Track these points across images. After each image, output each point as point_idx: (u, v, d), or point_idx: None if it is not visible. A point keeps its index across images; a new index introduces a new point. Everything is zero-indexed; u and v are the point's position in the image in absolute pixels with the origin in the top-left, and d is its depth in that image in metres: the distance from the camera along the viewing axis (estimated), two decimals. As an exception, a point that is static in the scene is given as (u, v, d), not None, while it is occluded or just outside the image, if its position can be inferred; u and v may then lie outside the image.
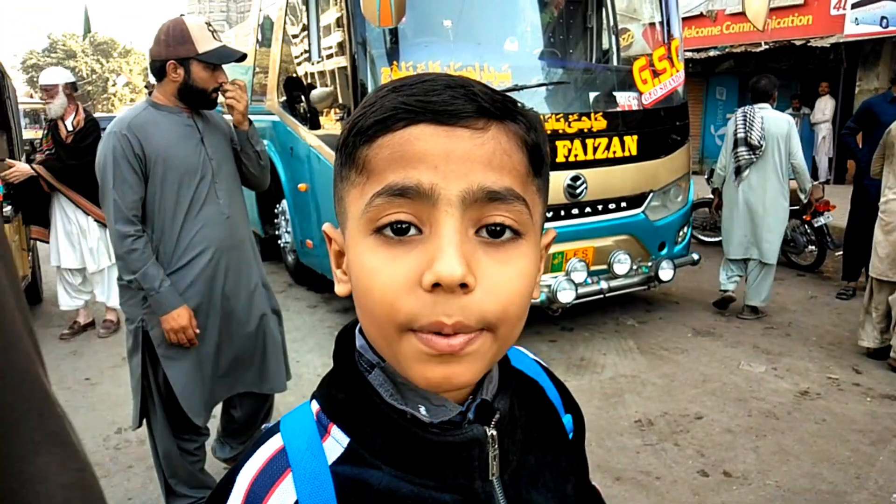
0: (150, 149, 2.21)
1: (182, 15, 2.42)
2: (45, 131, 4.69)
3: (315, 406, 0.60)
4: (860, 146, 5.36)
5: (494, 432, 0.57)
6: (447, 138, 0.50)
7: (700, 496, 2.77)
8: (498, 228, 0.51)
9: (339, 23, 4.31)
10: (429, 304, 0.49)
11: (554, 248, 4.35)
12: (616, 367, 4.13)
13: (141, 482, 2.91)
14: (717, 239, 7.54)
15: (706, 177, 7.38)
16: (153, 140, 2.22)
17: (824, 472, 2.94)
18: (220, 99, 2.39)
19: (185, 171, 2.27)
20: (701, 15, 12.10)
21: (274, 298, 2.68)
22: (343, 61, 4.26)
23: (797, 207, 6.17)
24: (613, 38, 5.40)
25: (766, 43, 10.90)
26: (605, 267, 4.56)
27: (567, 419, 0.71)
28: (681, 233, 5.11)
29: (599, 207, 4.53)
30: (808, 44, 10.56)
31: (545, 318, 4.61)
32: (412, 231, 0.50)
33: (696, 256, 5.21)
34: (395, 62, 3.98)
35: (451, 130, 0.50)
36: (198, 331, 2.31)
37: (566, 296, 4.15)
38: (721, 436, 3.26)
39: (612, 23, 5.38)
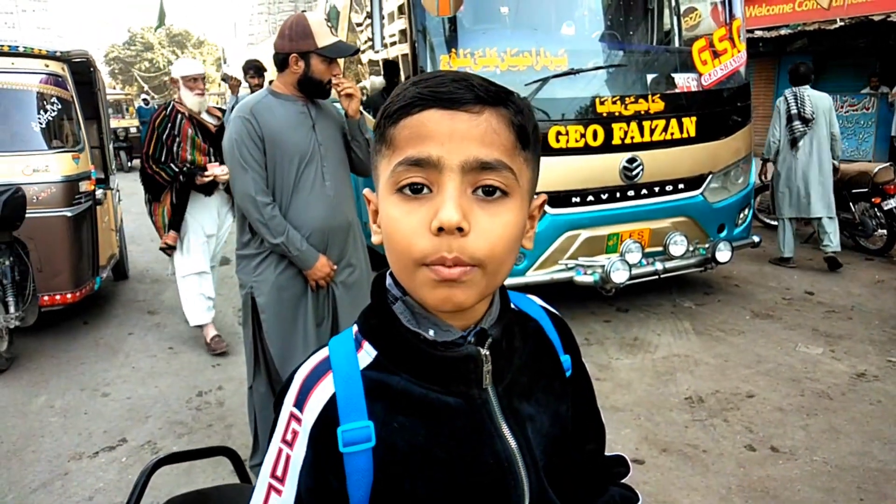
0: (267, 131, 2.44)
1: (304, 11, 2.63)
2: (165, 126, 4.04)
3: (355, 328, 0.79)
4: None
5: (487, 352, 0.74)
6: (451, 120, 0.67)
7: (745, 469, 2.84)
8: (490, 189, 0.68)
9: (400, 11, 4.47)
10: (435, 243, 0.66)
11: (609, 230, 4.43)
12: (670, 347, 4.18)
13: (220, 439, 3.19)
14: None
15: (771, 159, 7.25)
16: (270, 124, 2.45)
17: (875, 450, 2.95)
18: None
19: (297, 154, 2.48)
20: (773, -9, 11.67)
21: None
22: (405, 49, 4.43)
23: (866, 190, 6.01)
24: (674, 18, 5.37)
25: (841, 20, 10.44)
26: (661, 248, 4.60)
27: (565, 358, 0.88)
28: (741, 215, 5.08)
29: (656, 189, 4.56)
30: (889, 18, 10.06)
31: (600, 298, 4.70)
32: (425, 190, 0.68)
33: (756, 239, 5.18)
34: (453, 49, 4.12)
35: (454, 114, 0.67)
36: (335, 267, 2.61)
37: (619, 276, 4.22)
38: (771, 413, 3.30)
39: (672, 3, 5.36)
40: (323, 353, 0.77)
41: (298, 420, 0.73)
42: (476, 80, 0.70)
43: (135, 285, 5.99)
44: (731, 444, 3.04)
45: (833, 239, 5.73)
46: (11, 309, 3.92)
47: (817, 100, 5.68)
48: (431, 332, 0.74)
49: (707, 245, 4.70)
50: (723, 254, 4.62)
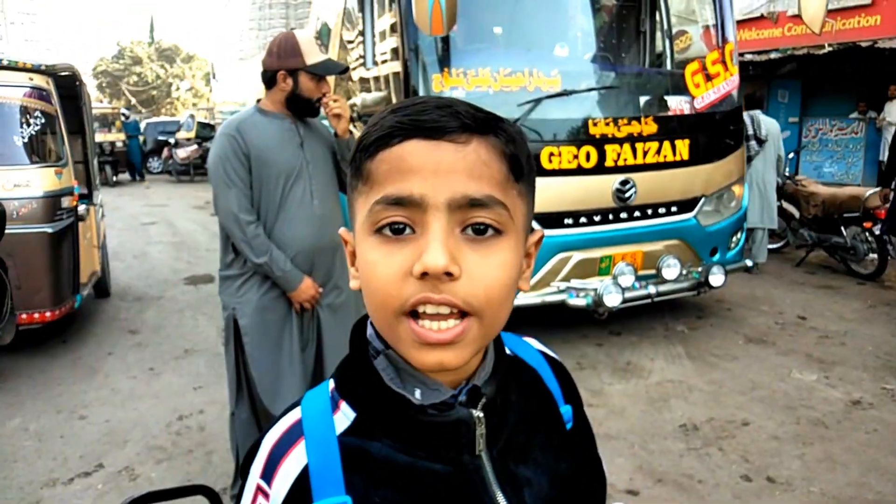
0: (253, 149, 2.38)
1: (294, 28, 2.57)
2: None
3: (331, 384, 0.70)
4: None
5: (481, 414, 0.65)
6: (435, 151, 0.59)
7: (742, 500, 2.77)
8: (481, 227, 0.60)
9: (392, 29, 4.44)
10: (418, 288, 0.58)
11: (601, 252, 4.38)
12: (663, 373, 4.12)
13: (200, 466, 3.07)
14: (774, 246, 7.40)
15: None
16: (256, 141, 2.39)
17: (872, 481, 2.89)
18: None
19: (284, 172, 2.42)
20: (762, 17, 11.81)
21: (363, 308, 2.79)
22: (396, 67, 4.39)
23: (857, 214, 6.02)
24: (667, 41, 5.38)
25: (829, 45, 10.56)
26: (653, 272, 4.56)
27: (566, 409, 0.78)
28: (734, 238, 5.06)
29: (649, 212, 4.53)
30: (876, 45, 10.19)
31: (593, 321, 4.63)
32: (407, 231, 0.59)
33: (749, 263, 5.15)
34: (446, 69, 4.09)
35: (438, 144, 0.59)
36: (321, 290, 2.52)
37: (612, 299, 4.17)
38: (767, 442, 3.24)
39: (665, 26, 5.37)
40: (294, 415, 0.68)
41: (266, 495, 0.64)
42: (462, 106, 0.62)
43: (116, 303, 5.86)
44: (727, 475, 2.97)
45: (761, 251, 6.45)
46: (-13, 327, 3.81)
47: (770, 124, 6.42)
48: (418, 394, 0.65)
49: (700, 269, 4.66)
50: (716, 278, 4.58)
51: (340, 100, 2.50)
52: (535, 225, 0.74)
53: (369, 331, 0.69)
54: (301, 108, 2.48)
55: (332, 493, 0.62)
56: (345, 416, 0.66)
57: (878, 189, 6.16)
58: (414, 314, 0.59)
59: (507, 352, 0.74)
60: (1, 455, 3.18)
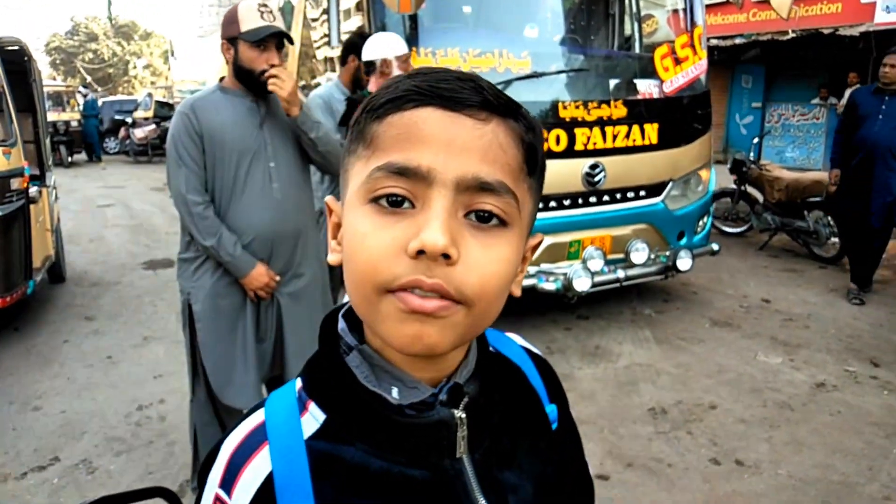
0: (206, 128, 2.26)
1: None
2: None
3: (298, 383, 0.63)
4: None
5: (463, 415, 0.60)
6: (451, 124, 0.53)
7: (711, 484, 2.78)
8: (486, 215, 0.54)
9: (358, 7, 4.32)
10: (411, 265, 0.52)
11: (571, 237, 4.35)
12: (631, 356, 4.13)
13: (161, 457, 2.97)
14: (739, 229, 7.50)
15: (728, 166, 7.33)
16: (211, 120, 2.27)
17: (837, 463, 2.93)
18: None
19: (240, 152, 2.30)
20: (727, 2, 11.91)
21: (328, 297, 2.69)
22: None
23: (820, 199, 6.11)
24: (636, 24, 5.35)
25: (793, 31, 10.71)
26: (622, 256, 4.55)
27: (551, 409, 0.73)
28: (700, 222, 5.08)
29: (618, 196, 4.52)
30: (837, 32, 10.36)
31: (561, 306, 4.62)
32: (406, 204, 0.53)
33: (715, 247, 5.19)
34: (413, 48, 3.98)
35: (455, 117, 0.53)
36: (278, 278, 2.40)
37: (582, 284, 4.15)
38: (734, 426, 3.26)
39: (634, 9, 5.33)
40: (257, 417, 0.61)
41: None
42: (484, 82, 0.56)
43: (72, 289, 5.65)
44: (696, 458, 2.98)
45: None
46: (-68, 315, 3.62)
47: None
48: (395, 392, 0.59)
49: (668, 253, 4.68)
50: (684, 262, 4.61)
51: (282, 71, 2.27)
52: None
53: (341, 325, 0.63)
54: (247, 81, 2.31)
55: (300, 503, 0.56)
56: (313, 419, 0.60)
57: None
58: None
59: (491, 349, 0.69)
60: (-52, 449, 3.03)
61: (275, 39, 2.28)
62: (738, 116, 13.60)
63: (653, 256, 4.62)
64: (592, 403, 3.50)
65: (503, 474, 0.64)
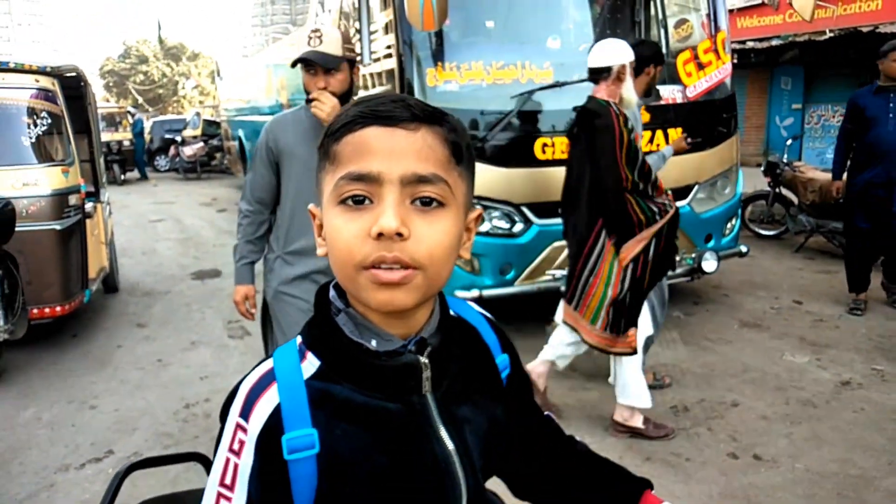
0: (280, 144, 2.44)
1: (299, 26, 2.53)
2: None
3: (299, 339, 0.82)
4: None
5: (426, 360, 0.78)
6: (390, 136, 0.71)
7: (727, 476, 2.86)
8: (427, 200, 0.72)
9: (387, 27, 4.52)
10: (375, 247, 0.70)
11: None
12: (657, 357, 4.19)
13: (206, 450, 3.15)
14: (773, 232, 7.46)
15: (762, 169, 7.30)
16: (285, 137, 2.44)
17: (856, 457, 2.97)
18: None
19: (306, 167, 2.38)
20: (763, 3, 11.81)
21: None
22: (392, 63, 4.48)
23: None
24: (663, 31, 5.43)
25: (830, 31, 10.56)
26: (648, 258, 4.62)
27: (503, 358, 0.92)
28: (728, 225, 5.12)
29: (643, 200, 4.59)
30: (877, 30, 10.17)
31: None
32: (366, 202, 0.72)
33: (744, 249, 5.21)
34: (439, 63, 4.17)
35: (392, 131, 0.72)
36: (252, 311, 2.57)
37: (607, 286, 4.24)
38: (755, 422, 3.32)
39: (660, 16, 5.41)
40: (267, 364, 0.80)
41: (244, 430, 0.75)
42: (413, 100, 0.74)
43: (125, 298, 6.00)
44: (715, 453, 3.06)
45: None
46: (1, 322, 3.93)
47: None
48: (374, 343, 0.77)
49: (694, 255, 4.73)
50: (708, 263, 4.64)
51: (322, 94, 2.35)
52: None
53: (331, 293, 0.82)
54: (311, 102, 2.41)
55: (301, 427, 0.74)
56: (311, 364, 0.78)
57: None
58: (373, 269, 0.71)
59: (452, 313, 0.87)
60: (16, 443, 3.31)
61: (317, 65, 2.36)
62: (779, 119, 13.41)
63: (679, 259, 4.68)
64: (614, 402, 3.59)
65: (460, 409, 0.82)
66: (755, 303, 5.25)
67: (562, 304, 3.36)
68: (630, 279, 3.01)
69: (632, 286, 3.02)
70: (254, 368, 0.81)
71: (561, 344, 3.34)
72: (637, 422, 3.17)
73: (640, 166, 3.03)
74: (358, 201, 0.71)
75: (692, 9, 5.29)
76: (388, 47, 4.55)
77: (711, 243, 4.94)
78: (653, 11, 5.38)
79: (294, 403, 0.74)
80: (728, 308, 5.15)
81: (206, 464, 1.42)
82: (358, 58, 2.42)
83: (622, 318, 3.06)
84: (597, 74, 3.12)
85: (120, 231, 8.38)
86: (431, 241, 0.71)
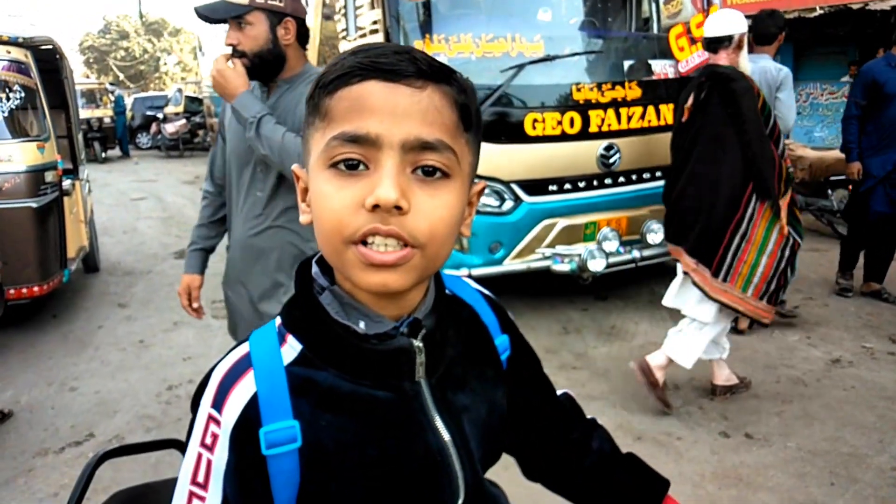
0: (224, 116, 2.10)
1: None
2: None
3: (278, 320, 0.73)
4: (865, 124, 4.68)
5: (420, 344, 0.70)
6: (392, 93, 0.62)
7: (719, 455, 2.83)
8: (430, 169, 0.63)
9: (373, 1, 4.39)
10: (369, 219, 0.61)
11: (586, 219, 4.39)
12: (647, 335, 4.17)
13: (189, 433, 3.12)
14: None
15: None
16: (225, 112, 2.08)
17: (847, 435, 2.96)
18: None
19: (234, 152, 2.03)
20: (752, -21, 11.70)
21: None
22: (379, 37, 4.35)
23: (843, 177, 6.03)
24: (653, 4, 5.33)
25: (820, 8, 10.49)
26: (637, 237, 4.58)
27: (502, 339, 0.84)
28: (718, 203, 5.07)
29: (633, 177, 4.54)
30: (867, 7, 10.12)
31: (578, 287, 4.67)
32: (361, 167, 0.62)
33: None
34: (427, 35, 4.06)
35: (395, 87, 0.62)
36: (196, 305, 2.24)
37: (596, 264, 4.20)
38: (746, 401, 3.30)
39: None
40: (243, 348, 0.71)
41: (217, 422, 0.67)
42: (419, 53, 0.65)
43: (106, 278, 5.87)
44: (706, 432, 3.03)
45: None
46: (-25, 302, 3.82)
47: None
48: (362, 324, 0.69)
49: (684, 233, 4.68)
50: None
51: (221, 59, 1.94)
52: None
53: (314, 269, 0.72)
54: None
55: (281, 418, 0.66)
56: (292, 349, 0.69)
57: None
58: (363, 243, 0.62)
59: (447, 291, 0.78)
60: (-8, 426, 3.23)
61: (207, 18, 1.96)
62: (767, 97, 13.34)
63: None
64: (605, 381, 3.56)
65: (456, 396, 0.74)
66: (744, 281, 5.22)
67: (674, 287, 3.28)
68: (790, 250, 3.00)
69: (790, 257, 3.01)
70: (227, 353, 0.72)
71: (703, 338, 3.11)
72: (661, 376, 3.16)
73: (772, 129, 3.01)
74: (351, 166, 0.62)
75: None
76: (375, 22, 4.43)
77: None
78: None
79: (273, 392, 0.67)
80: (717, 286, 5.11)
81: (184, 450, 1.34)
82: (284, 7, 1.91)
83: (779, 288, 3.04)
84: (717, 43, 3.12)
85: (101, 209, 8.22)
86: (433, 216, 0.63)
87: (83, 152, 6.07)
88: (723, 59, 3.11)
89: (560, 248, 4.32)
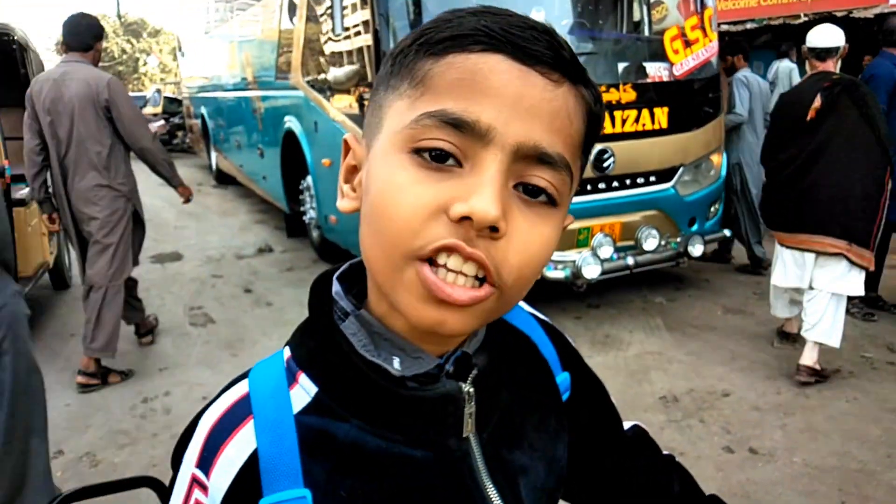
0: None
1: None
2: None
3: (287, 353, 0.57)
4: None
5: (471, 389, 0.54)
6: (521, 79, 0.47)
7: (724, 472, 2.72)
8: (534, 188, 0.49)
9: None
10: (450, 231, 0.46)
11: (579, 224, 4.28)
12: (642, 345, 4.06)
13: (166, 450, 2.94)
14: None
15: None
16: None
17: (854, 450, 2.85)
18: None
19: None
20: (737, -14, 11.73)
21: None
22: (367, 39, 4.21)
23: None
24: (645, 8, 5.25)
25: (805, 15, 10.54)
26: (632, 243, 4.48)
27: (563, 377, 0.67)
28: (712, 208, 4.99)
29: (627, 182, 4.44)
30: (851, 14, 10.17)
31: (571, 294, 4.55)
32: (450, 161, 0.47)
33: (727, 233, 5.12)
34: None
35: (527, 72, 0.47)
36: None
37: (591, 271, 4.08)
38: (748, 413, 3.19)
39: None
40: (240, 389, 0.55)
41: (204, 488, 0.52)
42: (561, 38, 0.50)
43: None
44: (709, 446, 2.92)
45: None
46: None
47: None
48: (396, 363, 0.53)
49: (679, 239, 4.60)
50: (695, 248, 4.53)
51: None
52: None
53: (335, 288, 0.56)
54: None
55: (288, 486, 0.50)
56: (304, 391, 0.54)
57: None
58: (429, 261, 0.47)
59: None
60: (-47, 443, 3.02)
61: None
62: (751, 103, 13.38)
63: (663, 243, 4.54)
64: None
65: (513, 455, 0.58)
66: (737, 288, 5.14)
67: (786, 269, 3.65)
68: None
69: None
70: (221, 394, 0.56)
71: (842, 310, 3.47)
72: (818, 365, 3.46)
73: None
74: (438, 157, 0.47)
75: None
76: (364, 23, 4.28)
77: (695, 227, 4.80)
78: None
79: (278, 450, 0.51)
80: (711, 293, 5.03)
81: (160, 490, 1.18)
82: None
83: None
84: (826, 54, 3.56)
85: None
86: (527, 251, 0.48)
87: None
88: (830, 66, 3.55)
89: (553, 255, 4.20)
